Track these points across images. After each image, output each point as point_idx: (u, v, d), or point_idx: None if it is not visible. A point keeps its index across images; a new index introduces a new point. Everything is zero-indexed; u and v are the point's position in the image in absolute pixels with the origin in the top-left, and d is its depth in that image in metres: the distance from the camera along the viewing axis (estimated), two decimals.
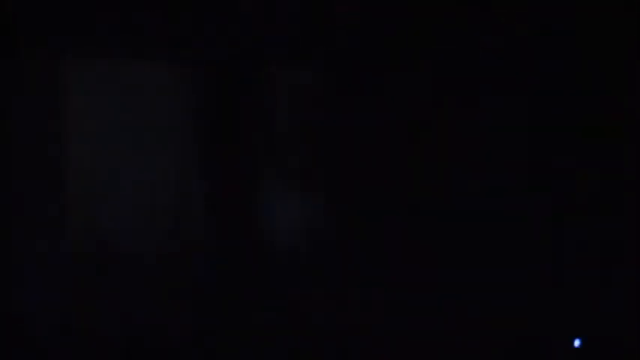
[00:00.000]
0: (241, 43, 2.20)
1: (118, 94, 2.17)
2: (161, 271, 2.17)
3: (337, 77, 2.21)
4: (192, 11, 2.17)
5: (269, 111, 2.21)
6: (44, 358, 2.10)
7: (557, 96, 2.17)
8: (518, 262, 2.18)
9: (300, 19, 2.20)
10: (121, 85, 2.17)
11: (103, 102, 2.16)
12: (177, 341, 2.16)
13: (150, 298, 2.16)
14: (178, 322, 2.17)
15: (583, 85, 2.17)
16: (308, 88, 2.21)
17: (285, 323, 2.19)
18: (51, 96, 2.12)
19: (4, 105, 2.09)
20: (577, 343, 2.18)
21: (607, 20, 2.15)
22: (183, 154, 2.20)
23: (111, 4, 2.13)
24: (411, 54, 2.20)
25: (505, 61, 2.18)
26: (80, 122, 2.15)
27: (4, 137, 2.09)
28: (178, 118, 2.19)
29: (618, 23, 2.15)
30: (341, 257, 2.20)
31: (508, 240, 2.18)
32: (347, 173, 2.21)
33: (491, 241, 2.18)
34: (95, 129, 2.16)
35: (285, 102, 2.21)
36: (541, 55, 2.17)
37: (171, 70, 2.19)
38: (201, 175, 2.20)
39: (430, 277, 2.19)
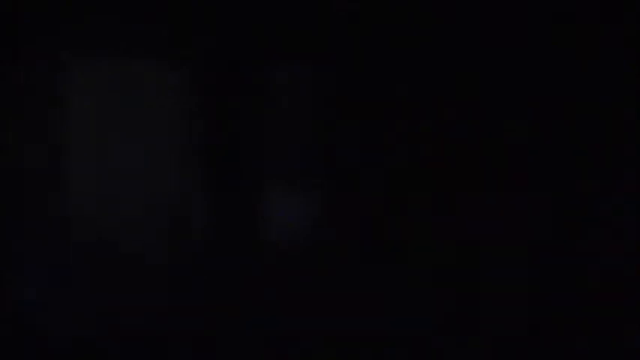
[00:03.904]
0: (241, 42, 2.20)
1: (119, 93, 2.18)
2: (161, 270, 2.18)
3: (337, 77, 2.21)
4: (192, 11, 2.17)
5: (268, 111, 2.22)
6: (44, 358, 2.11)
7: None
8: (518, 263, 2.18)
9: (300, 19, 2.20)
10: (121, 85, 2.18)
11: (103, 102, 2.17)
12: (177, 340, 2.17)
13: (149, 297, 2.17)
14: (178, 321, 2.18)
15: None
16: (308, 88, 2.21)
17: (284, 323, 2.20)
18: (51, 96, 2.14)
19: (5, 105, 2.10)
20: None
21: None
22: (183, 154, 2.20)
23: (111, 4, 2.15)
24: (413, 55, 2.20)
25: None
26: (80, 122, 2.16)
27: (5, 137, 2.11)
28: (178, 117, 2.20)
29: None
30: (340, 257, 2.21)
31: (506, 240, 2.18)
32: (346, 173, 2.21)
33: (489, 243, 2.18)
34: (95, 129, 2.17)
35: (284, 102, 2.22)
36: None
37: (171, 70, 2.20)
38: (200, 174, 2.21)
39: (429, 277, 2.20)
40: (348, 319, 2.20)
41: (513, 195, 2.18)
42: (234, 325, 2.19)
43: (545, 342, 2.18)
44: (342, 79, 2.21)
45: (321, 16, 2.19)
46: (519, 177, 2.18)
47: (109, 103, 2.17)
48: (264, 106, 2.21)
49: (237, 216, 2.21)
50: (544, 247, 2.18)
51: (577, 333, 2.17)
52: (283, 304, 2.20)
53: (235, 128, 2.20)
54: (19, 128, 2.12)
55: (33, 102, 2.12)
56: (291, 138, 2.21)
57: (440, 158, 2.19)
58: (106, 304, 2.15)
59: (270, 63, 2.21)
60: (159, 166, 2.19)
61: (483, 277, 2.19)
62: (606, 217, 2.17)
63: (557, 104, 2.18)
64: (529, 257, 2.18)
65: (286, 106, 2.21)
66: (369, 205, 2.20)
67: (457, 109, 2.19)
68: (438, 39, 2.19)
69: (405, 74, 2.20)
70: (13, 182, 2.11)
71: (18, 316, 2.11)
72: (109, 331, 2.14)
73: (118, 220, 2.17)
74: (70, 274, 2.15)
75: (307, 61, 2.21)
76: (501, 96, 2.19)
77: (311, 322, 2.20)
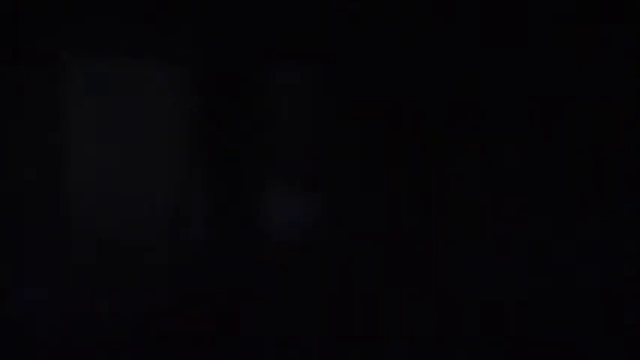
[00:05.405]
0: (241, 42, 2.20)
1: (118, 94, 2.18)
2: (161, 269, 2.18)
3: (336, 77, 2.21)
4: (192, 11, 2.17)
5: (268, 111, 2.22)
6: (44, 357, 2.11)
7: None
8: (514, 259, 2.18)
9: (300, 19, 2.20)
10: (121, 85, 2.18)
11: (103, 102, 2.17)
12: (177, 340, 2.17)
13: (149, 297, 2.17)
14: (178, 321, 2.18)
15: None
16: (308, 88, 2.21)
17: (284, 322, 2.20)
18: (51, 96, 2.14)
19: (5, 105, 2.10)
20: None
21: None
22: (183, 153, 2.20)
23: (112, 5, 2.15)
24: (413, 55, 2.20)
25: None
26: (81, 121, 2.16)
27: (5, 137, 2.11)
28: (178, 117, 2.20)
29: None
30: (338, 256, 2.21)
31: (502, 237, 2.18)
32: (345, 174, 2.21)
33: (487, 241, 2.18)
34: (95, 129, 2.17)
35: (284, 102, 2.22)
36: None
37: (171, 70, 2.20)
38: (200, 174, 2.21)
39: (428, 276, 2.20)
40: (349, 319, 2.20)
41: (513, 196, 2.18)
42: (234, 325, 2.19)
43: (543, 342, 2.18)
44: (343, 79, 2.20)
45: (321, 17, 2.19)
46: (519, 177, 2.19)
47: (108, 103, 2.17)
48: (264, 106, 2.21)
49: (238, 216, 2.21)
50: (542, 247, 2.18)
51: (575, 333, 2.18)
52: (283, 304, 2.20)
53: (235, 128, 2.20)
54: (19, 128, 2.12)
55: (33, 102, 2.12)
56: (291, 138, 2.21)
57: (441, 158, 2.19)
58: (106, 305, 2.15)
59: (270, 63, 2.21)
60: (158, 166, 2.19)
61: (482, 276, 2.19)
62: (605, 217, 2.17)
63: (556, 104, 2.19)
64: (528, 256, 2.18)
65: (286, 106, 2.21)
66: (370, 205, 2.20)
67: (458, 109, 2.19)
68: (438, 39, 2.19)
69: (405, 74, 2.20)
70: (13, 182, 2.12)
71: (17, 317, 2.11)
72: (108, 331, 2.15)
73: (118, 220, 2.17)
74: (70, 274, 2.15)
75: (307, 61, 2.21)
76: (503, 96, 2.18)
77: (312, 322, 2.20)
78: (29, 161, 2.12)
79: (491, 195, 2.19)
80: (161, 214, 2.19)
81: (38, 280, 2.13)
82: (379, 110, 2.20)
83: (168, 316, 2.17)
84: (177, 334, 2.17)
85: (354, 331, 2.20)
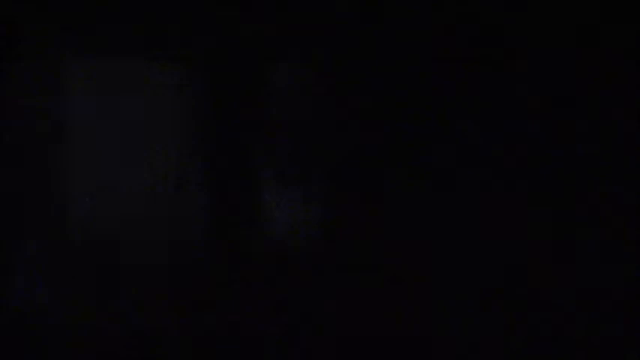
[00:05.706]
0: (241, 41, 2.20)
1: (118, 94, 2.18)
2: (160, 270, 2.18)
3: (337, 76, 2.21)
4: (193, 10, 2.17)
5: (268, 109, 2.22)
6: (44, 358, 2.11)
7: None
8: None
9: (301, 17, 2.20)
10: (120, 85, 2.18)
11: (102, 102, 2.17)
12: (177, 340, 2.17)
13: (149, 297, 2.17)
14: (178, 320, 2.18)
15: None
16: (308, 86, 2.21)
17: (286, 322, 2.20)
18: (52, 96, 2.14)
19: (6, 105, 2.10)
20: None
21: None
22: (183, 153, 2.20)
23: (112, 5, 2.15)
24: (412, 54, 2.20)
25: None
26: (81, 122, 2.16)
27: (5, 137, 2.11)
28: (178, 117, 2.20)
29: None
30: (337, 254, 2.21)
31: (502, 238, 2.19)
32: (345, 171, 2.21)
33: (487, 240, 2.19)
34: (95, 129, 2.17)
35: (284, 100, 2.22)
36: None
37: (171, 70, 2.20)
38: (200, 174, 2.21)
39: (426, 274, 2.20)
40: (349, 320, 2.20)
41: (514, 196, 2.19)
42: (234, 325, 2.19)
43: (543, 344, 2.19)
44: (342, 79, 2.21)
45: (321, 16, 2.19)
46: (520, 178, 2.19)
47: (108, 103, 2.17)
48: (264, 106, 2.21)
49: (238, 216, 2.21)
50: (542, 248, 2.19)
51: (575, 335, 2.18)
52: (283, 305, 2.20)
53: (235, 128, 2.20)
54: (19, 128, 2.12)
55: (32, 102, 2.12)
56: (291, 137, 2.21)
57: (443, 159, 2.19)
58: (106, 305, 2.16)
59: (269, 63, 2.21)
60: (159, 166, 2.19)
61: (480, 276, 2.19)
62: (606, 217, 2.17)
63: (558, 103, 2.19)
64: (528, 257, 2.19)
65: (286, 106, 2.21)
66: (370, 205, 2.20)
67: (458, 109, 2.19)
68: (437, 38, 2.19)
69: (405, 74, 2.20)
70: (13, 182, 2.12)
71: (18, 317, 2.11)
72: (108, 331, 2.15)
73: (118, 220, 2.17)
74: (70, 275, 2.15)
75: (307, 61, 2.21)
76: (504, 96, 2.19)
77: (311, 323, 2.20)
78: (28, 162, 2.12)
79: (490, 195, 2.19)
80: (161, 214, 2.19)
81: (38, 279, 2.13)
82: (380, 110, 2.20)
83: (167, 317, 2.18)
84: (176, 335, 2.17)
85: (355, 333, 2.20)
